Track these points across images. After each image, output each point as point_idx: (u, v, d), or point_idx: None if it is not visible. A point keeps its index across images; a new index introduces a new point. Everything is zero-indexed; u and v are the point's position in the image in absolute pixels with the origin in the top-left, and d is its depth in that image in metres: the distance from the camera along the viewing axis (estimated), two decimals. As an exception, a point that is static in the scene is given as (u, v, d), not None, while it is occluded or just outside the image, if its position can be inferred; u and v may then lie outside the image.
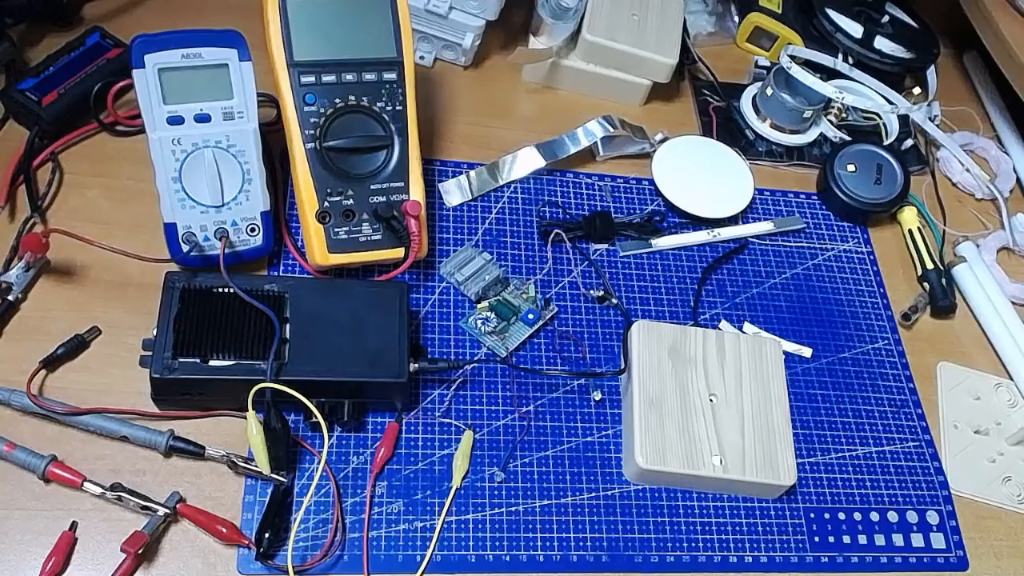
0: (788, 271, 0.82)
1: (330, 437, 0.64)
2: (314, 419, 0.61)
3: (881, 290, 0.83)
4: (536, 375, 0.70)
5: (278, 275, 0.70)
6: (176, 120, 0.64)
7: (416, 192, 0.69)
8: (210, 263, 0.66)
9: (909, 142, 0.95)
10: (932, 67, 0.97)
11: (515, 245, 0.77)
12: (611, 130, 0.82)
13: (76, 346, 0.63)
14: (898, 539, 0.69)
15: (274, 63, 0.66)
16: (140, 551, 0.56)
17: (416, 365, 0.64)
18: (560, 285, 0.76)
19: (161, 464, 0.61)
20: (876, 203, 0.85)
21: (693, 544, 0.65)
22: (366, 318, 0.64)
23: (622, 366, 0.71)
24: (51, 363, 0.62)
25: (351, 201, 0.68)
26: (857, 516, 0.69)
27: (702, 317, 0.77)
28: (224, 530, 0.58)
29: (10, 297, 0.64)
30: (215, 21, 0.69)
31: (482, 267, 0.74)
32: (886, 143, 0.92)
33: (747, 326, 0.77)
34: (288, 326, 0.63)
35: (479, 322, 0.71)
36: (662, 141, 0.86)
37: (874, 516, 0.70)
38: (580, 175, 0.83)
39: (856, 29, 0.96)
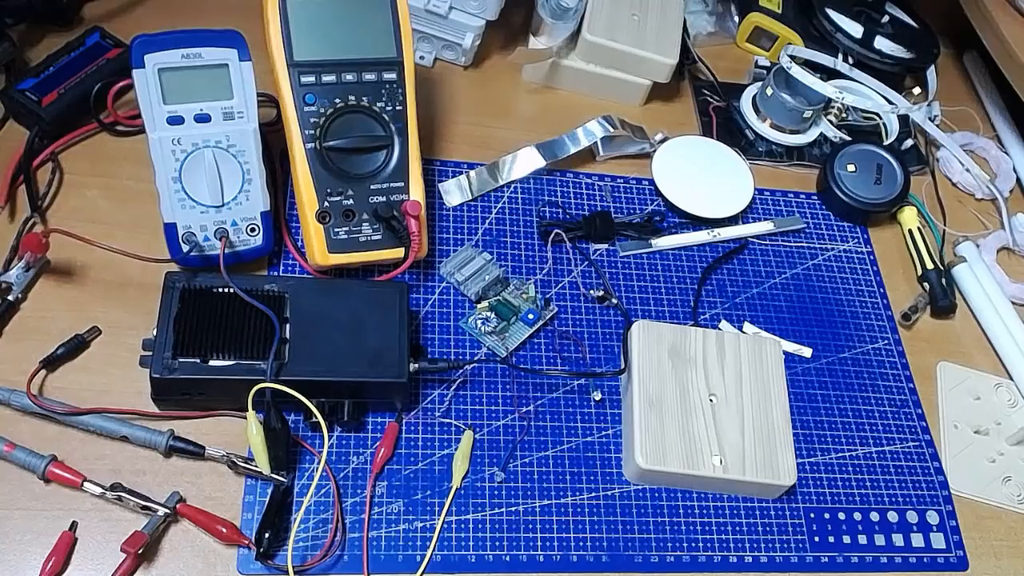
0: (788, 271, 0.82)
1: (330, 437, 0.64)
2: (314, 419, 0.61)
3: (881, 290, 0.83)
4: (536, 375, 0.70)
5: (278, 275, 0.70)
6: (176, 120, 0.64)
7: (416, 192, 0.69)
8: (210, 263, 0.66)
9: (909, 142, 0.95)
10: (932, 67, 0.97)
11: (515, 245, 0.77)
12: (611, 130, 0.82)
13: (76, 346, 0.63)
14: (898, 539, 0.69)
15: (274, 63, 0.66)
16: (140, 551, 0.56)
17: (416, 365, 0.64)
18: (560, 285, 0.76)
19: (161, 464, 0.61)
20: (876, 203, 0.85)
21: (693, 544, 0.65)
22: (366, 318, 0.64)
23: (622, 366, 0.72)
24: (51, 363, 0.62)
25: (351, 201, 0.68)
26: (857, 516, 0.69)
27: (702, 317, 0.77)
28: (224, 530, 0.58)
29: (10, 297, 0.64)
30: (215, 21, 0.69)
31: (482, 267, 0.74)
32: (886, 143, 0.92)
33: (747, 326, 0.77)
34: (288, 326, 0.63)
35: (479, 322, 0.71)
36: (662, 141, 0.86)
37: (874, 516, 0.70)
38: (580, 175, 0.83)
39: (856, 29, 0.96)
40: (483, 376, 0.69)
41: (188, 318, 0.61)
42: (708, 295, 0.78)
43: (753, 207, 0.85)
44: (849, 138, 0.91)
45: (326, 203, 0.67)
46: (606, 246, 0.79)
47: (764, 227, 0.84)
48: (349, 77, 0.68)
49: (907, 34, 0.98)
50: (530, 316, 0.72)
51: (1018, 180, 0.96)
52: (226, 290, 0.63)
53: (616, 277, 0.78)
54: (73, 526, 0.57)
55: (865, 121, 0.94)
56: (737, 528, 0.67)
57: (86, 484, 0.58)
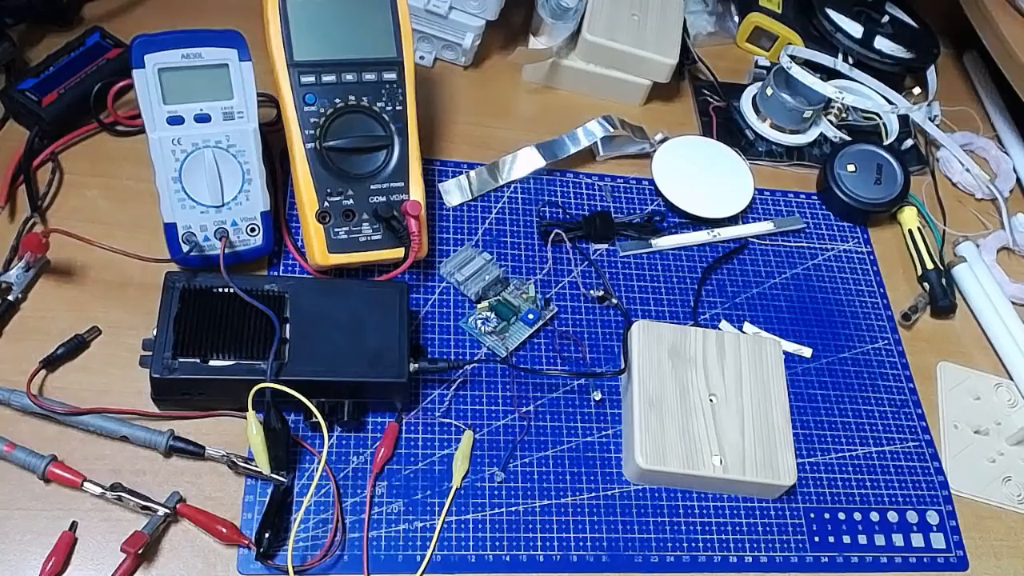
0: (788, 271, 0.82)
1: (330, 437, 0.64)
2: (314, 419, 0.61)
3: (881, 290, 0.83)
4: (536, 375, 0.70)
5: (278, 275, 0.70)
6: (176, 120, 0.64)
7: (416, 192, 0.69)
8: (210, 263, 0.66)
9: (909, 142, 0.95)
10: (932, 67, 0.97)
11: (515, 245, 0.77)
12: (611, 130, 0.82)
13: (76, 346, 0.63)
14: (898, 539, 0.69)
15: (274, 63, 0.66)
16: (140, 551, 0.56)
17: (416, 365, 0.64)
18: (560, 285, 0.76)
19: (161, 464, 0.61)
20: (876, 203, 0.85)
21: (693, 544, 0.65)
22: (366, 318, 0.64)
23: (622, 366, 0.72)
24: (51, 363, 0.62)
25: (351, 201, 0.68)
26: (857, 516, 0.69)
27: (702, 317, 0.77)
28: (224, 530, 0.58)
29: (10, 297, 0.64)
30: (215, 21, 0.69)
31: (482, 267, 0.74)
32: (886, 143, 0.92)
33: (747, 326, 0.77)
34: (288, 326, 0.63)
35: (479, 322, 0.71)
36: (662, 141, 0.86)
37: (874, 516, 0.70)
38: (580, 175, 0.83)
39: (856, 29, 0.96)
40: (483, 376, 0.69)
41: (188, 318, 0.61)
42: (708, 295, 0.78)
43: (753, 207, 0.85)
44: (849, 138, 0.91)
45: (326, 203, 0.67)
46: (606, 246, 0.79)
47: (764, 227, 0.84)
48: (349, 77, 0.68)
49: (907, 34, 0.98)
50: (530, 316, 0.72)
51: (1018, 180, 0.96)
52: (226, 290, 0.63)
53: (616, 277, 0.78)
54: (73, 526, 0.57)
55: (865, 121, 0.94)
56: (737, 528, 0.67)
57: (86, 484, 0.58)
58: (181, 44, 0.63)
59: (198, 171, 0.65)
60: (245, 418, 0.59)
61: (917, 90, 0.98)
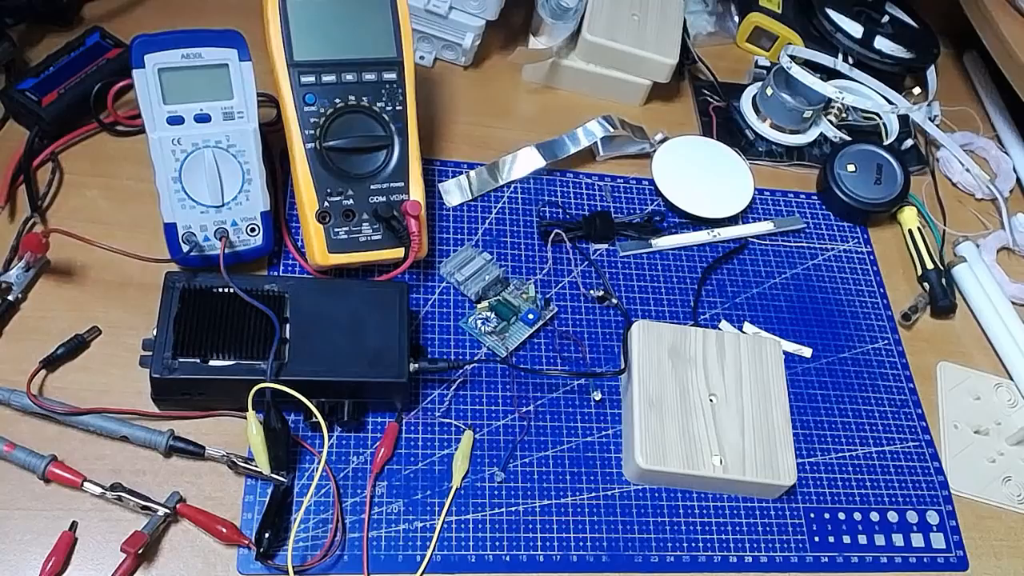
0: (788, 271, 0.82)
1: (330, 437, 0.64)
2: (314, 419, 0.61)
3: (881, 290, 0.83)
4: (536, 375, 0.70)
5: (278, 275, 0.70)
6: (176, 120, 0.64)
7: (416, 192, 0.69)
8: (210, 263, 0.66)
9: (909, 142, 0.95)
10: (932, 67, 0.97)
11: (515, 245, 0.77)
12: (611, 130, 0.82)
13: (76, 346, 0.63)
14: (898, 539, 0.69)
15: (274, 63, 0.66)
16: (140, 551, 0.56)
17: (416, 365, 0.64)
18: (560, 285, 0.76)
19: (161, 464, 0.61)
20: (876, 203, 0.85)
21: (693, 544, 0.65)
22: (366, 318, 0.64)
23: (622, 366, 0.72)
24: (51, 363, 0.62)
25: (351, 201, 0.68)
26: (857, 516, 0.69)
27: (702, 317, 0.77)
28: (224, 530, 0.58)
29: (10, 297, 0.64)
30: (215, 21, 0.69)
31: (482, 267, 0.74)
32: (886, 143, 0.92)
33: (747, 326, 0.77)
34: (288, 326, 0.63)
35: (479, 322, 0.71)
36: (662, 141, 0.86)
37: (874, 516, 0.70)
38: (580, 175, 0.83)
39: (856, 29, 0.96)
40: (483, 376, 0.69)
41: (188, 318, 0.61)
42: (708, 295, 0.78)
43: (753, 207, 0.85)
44: (849, 138, 0.91)
45: (326, 203, 0.67)
46: (606, 246, 0.79)
47: (764, 227, 0.84)
48: (349, 77, 0.68)
49: (907, 34, 0.98)
50: (530, 316, 0.72)
51: (1018, 180, 0.96)
52: (226, 290, 0.63)
53: (616, 277, 0.78)
54: (73, 526, 0.57)
55: (865, 121, 0.94)
56: (737, 528, 0.67)
57: (86, 484, 0.58)
58: (181, 44, 0.63)
59: (198, 171, 0.65)
60: (245, 418, 0.59)
61: (917, 90, 0.98)
